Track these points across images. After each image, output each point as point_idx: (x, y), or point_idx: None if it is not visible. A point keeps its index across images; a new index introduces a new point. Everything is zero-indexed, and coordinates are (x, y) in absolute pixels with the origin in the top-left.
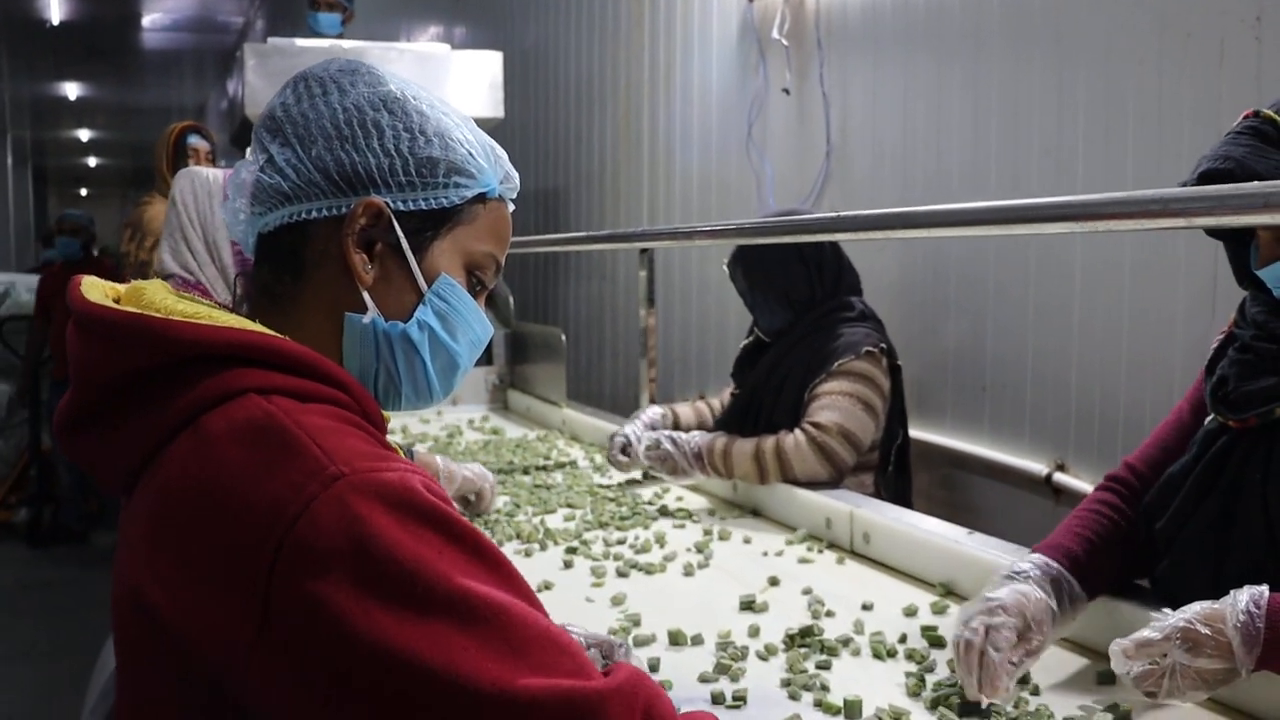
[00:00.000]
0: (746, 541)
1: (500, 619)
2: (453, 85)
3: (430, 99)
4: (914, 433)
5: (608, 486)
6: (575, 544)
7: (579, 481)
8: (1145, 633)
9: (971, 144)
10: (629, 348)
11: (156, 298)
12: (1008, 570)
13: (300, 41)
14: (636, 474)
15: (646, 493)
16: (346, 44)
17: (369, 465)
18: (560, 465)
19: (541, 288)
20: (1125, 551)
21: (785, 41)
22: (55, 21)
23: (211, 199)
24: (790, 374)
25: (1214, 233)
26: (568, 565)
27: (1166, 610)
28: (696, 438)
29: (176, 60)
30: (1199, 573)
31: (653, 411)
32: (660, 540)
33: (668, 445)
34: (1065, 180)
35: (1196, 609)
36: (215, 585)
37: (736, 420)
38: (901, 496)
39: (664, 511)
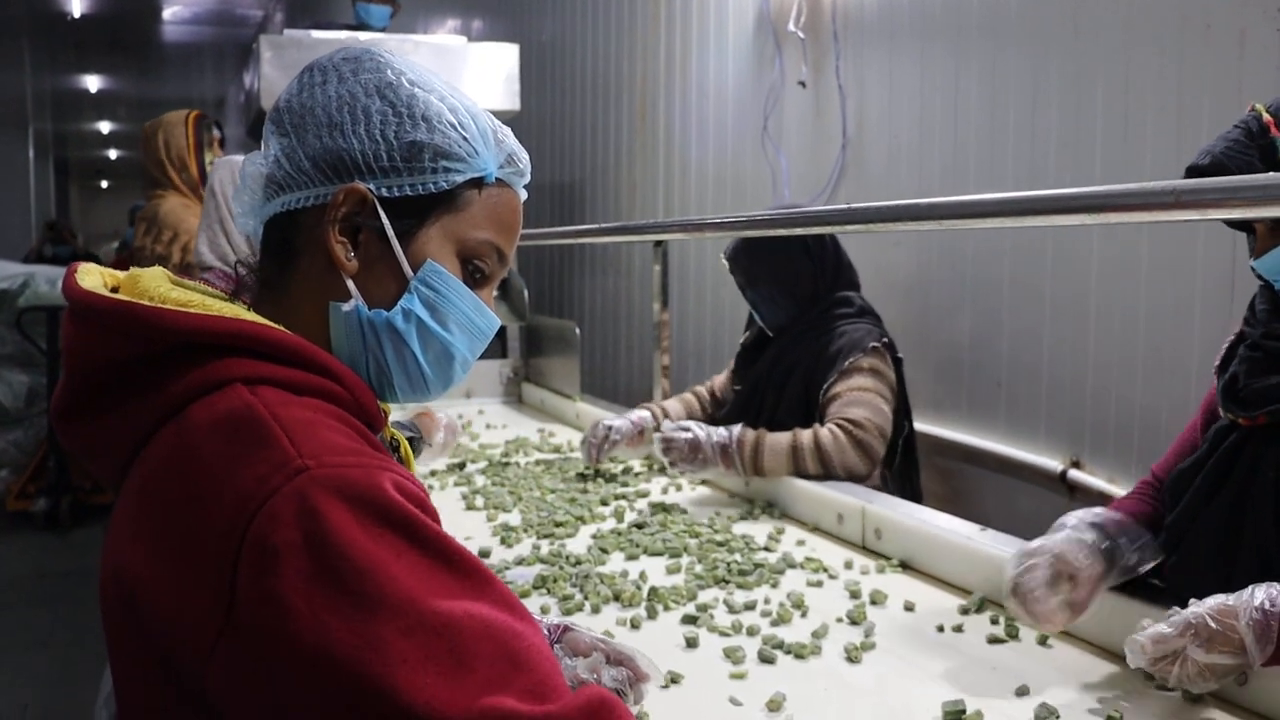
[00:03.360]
0: (909, 608)
1: (451, 631)
2: (469, 77)
3: (431, 83)
4: (928, 428)
5: (710, 525)
6: (692, 610)
7: (672, 519)
8: (1160, 627)
9: (989, 137)
10: (643, 341)
11: (152, 285)
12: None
13: (316, 33)
14: (607, 464)
15: (656, 485)
16: (363, 36)
17: (337, 460)
18: (641, 493)
19: (556, 281)
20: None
21: (801, 34)
22: (76, 15)
23: None
24: (794, 370)
25: (1233, 224)
26: (691, 644)
27: (1176, 608)
28: (722, 431)
29: (196, 53)
30: (1210, 569)
31: (640, 414)
32: (799, 605)
33: (698, 431)
34: (1083, 174)
35: (1211, 603)
36: (187, 576)
37: (738, 416)
38: (911, 487)
39: (789, 562)
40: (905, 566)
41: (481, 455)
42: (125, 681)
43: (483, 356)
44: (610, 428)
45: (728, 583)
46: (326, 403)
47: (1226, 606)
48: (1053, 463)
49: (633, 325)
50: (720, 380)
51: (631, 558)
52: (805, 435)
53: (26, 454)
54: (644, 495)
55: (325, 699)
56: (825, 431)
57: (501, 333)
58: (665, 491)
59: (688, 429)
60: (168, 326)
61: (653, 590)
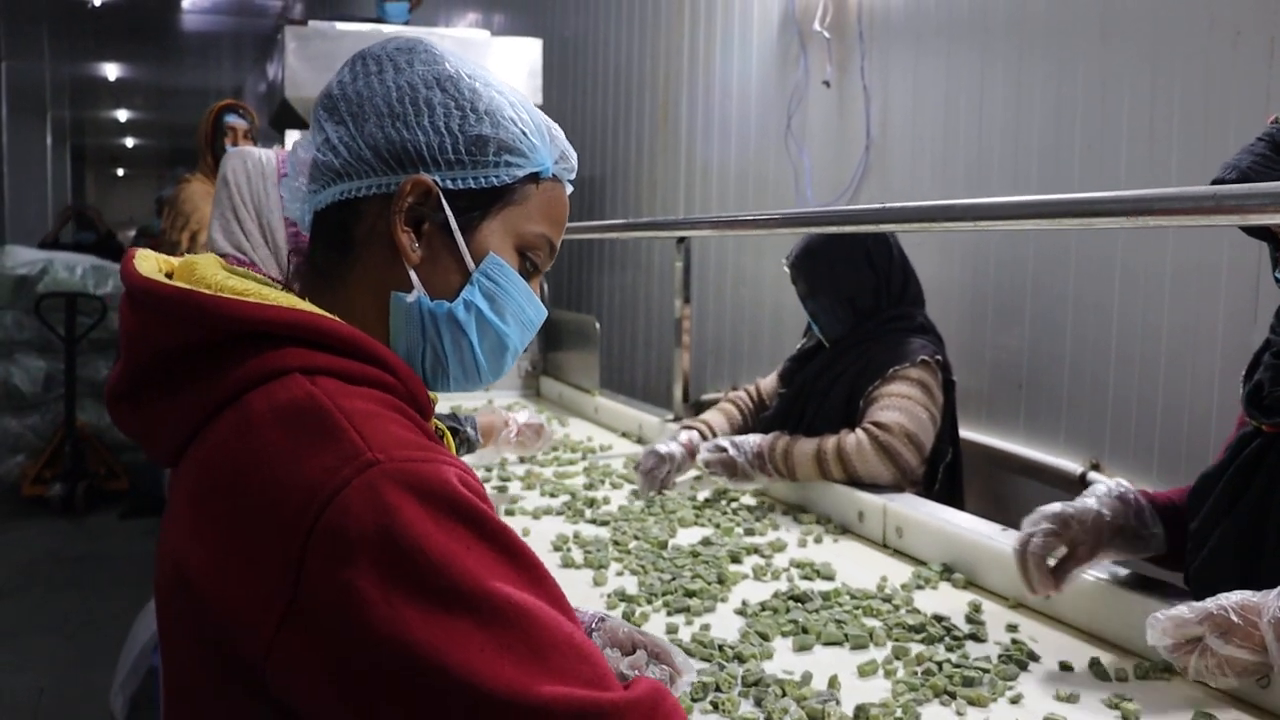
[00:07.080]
0: None
1: (524, 621)
2: (492, 72)
3: (487, 78)
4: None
5: (885, 597)
6: None
7: (835, 587)
8: (1182, 610)
9: (1013, 140)
10: (663, 338)
11: (208, 273)
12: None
13: (341, 25)
14: (670, 491)
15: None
16: (387, 29)
17: (405, 455)
18: (777, 545)
19: (576, 275)
20: None
21: (826, 33)
22: (97, 2)
23: (265, 180)
24: (840, 379)
25: (1254, 234)
26: None
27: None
28: (755, 439)
29: (215, 43)
30: (1232, 573)
31: (687, 436)
32: None
33: (730, 450)
34: (1108, 179)
35: (1235, 597)
36: (249, 564)
37: (779, 422)
38: None
39: (1016, 660)
40: (1169, 670)
41: (562, 488)
42: (179, 670)
43: None
44: (661, 456)
45: (952, 696)
46: (382, 393)
47: (1250, 602)
48: (1073, 465)
49: (651, 321)
50: (766, 383)
51: (803, 648)
52: (830, 440)
53: (43, 439)
54: (780, 549)
55: (401, 690)
56: (851, 436)
57: None
58: (804, 544)
59: (723, 449)
60: (228, 314)
61: (860, 711)
